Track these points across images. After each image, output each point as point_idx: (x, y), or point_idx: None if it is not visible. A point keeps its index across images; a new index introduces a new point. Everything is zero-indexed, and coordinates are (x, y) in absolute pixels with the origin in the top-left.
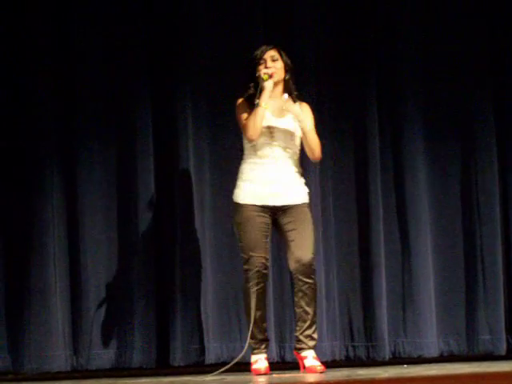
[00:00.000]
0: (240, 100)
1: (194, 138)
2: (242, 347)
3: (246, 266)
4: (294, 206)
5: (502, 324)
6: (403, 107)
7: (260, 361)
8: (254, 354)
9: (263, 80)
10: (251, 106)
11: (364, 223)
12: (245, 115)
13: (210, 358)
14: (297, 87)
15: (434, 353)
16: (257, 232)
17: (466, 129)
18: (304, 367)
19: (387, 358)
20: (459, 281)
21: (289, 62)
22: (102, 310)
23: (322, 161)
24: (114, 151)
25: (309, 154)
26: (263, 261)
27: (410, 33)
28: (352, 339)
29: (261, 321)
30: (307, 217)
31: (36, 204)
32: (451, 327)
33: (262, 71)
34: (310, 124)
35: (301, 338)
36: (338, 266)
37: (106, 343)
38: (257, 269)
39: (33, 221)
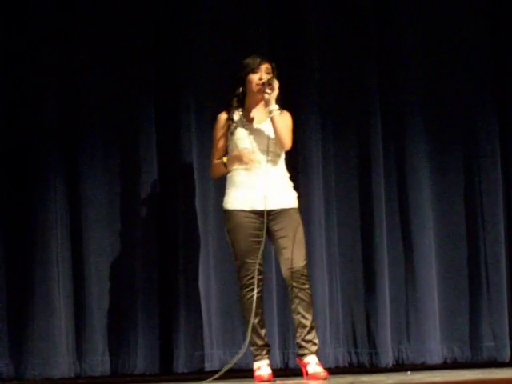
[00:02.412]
0: (221, 115)
1: (197, 142)
2: (246, 353)
3: (240, 273)
4: (284, 210)
5: (506, 331)
6: (407, 113)
7: (263, 367)
8: (255, 360)
9: (268, 84)
10: (231, 120)
11: (367, 230)
12: (219, 134)
13: (214, 364)
14: (298, 94)
15: (438, 360)
16: (249, 238)
17: (470, 134)
18: (307, 374)
19: (390, 364)
20: (463, 287)
21: (276, 77)
22: (106, 317)
23: (325, 167)
24: (117, 154)
25: (279, 145)
26: (257, 266)
27: (414, 38)
28: (355, 346)
29: (259, 327)
30: (298, 222)
31: (38, 209)
32: (455, 334)
33: (266, 77)
34: (282, 118)
35: (302, 343)
36: (341, 273)
37: (109, 349)
38: (251, 275)
39: (35, 226)
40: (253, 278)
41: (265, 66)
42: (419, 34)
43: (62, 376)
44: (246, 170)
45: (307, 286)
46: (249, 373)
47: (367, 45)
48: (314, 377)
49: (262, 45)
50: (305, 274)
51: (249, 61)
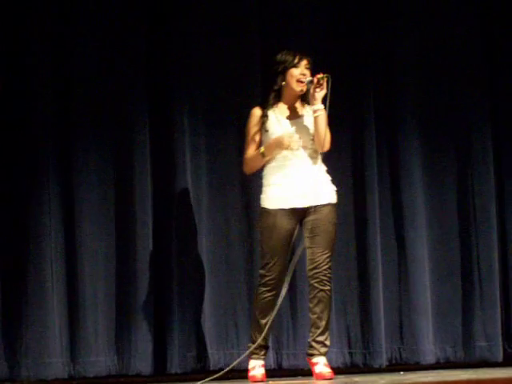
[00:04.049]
0: (255, 110)
1: (190, 142)
2: (239, 354)
3: (263, 272)
4: (321, 207)
5: (499, 331)
6: (400, 116)
7: (257, 368)
8: (252, 358)
9: (319, 81)
10: (264, 117)
11: (361, 231)
12: (252, 132)
13: (208, 365)
14: None
15: (431, 360)
16: (280, 239)
17: (463, 136)
18: (314, 373)
19: (384, 365)
20: (456, 288)
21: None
22: (99, 318)
23: None
24: (111, 153)
25: (317, 146)
26: (281, 268)
27: (409, 41)
28: (349, 346)
29: (266, 327)
30: (332, 222)
31: (32, 211)
32: (448, 334)
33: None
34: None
35: (313, 344)
36: (335, 273)
37: (103, 350)
38: (274, 276)
39: (29, 227)
40: (274, 279)
41: (304, 62)
42: (415, 37)
43: (55, 377)
44: (283, 167)
45: (328, 288)
46: (242, 373)
47: (362, 46)
48: (320, 376)
49: (254, 46)
50: (328, 275)
51: (287, 56)
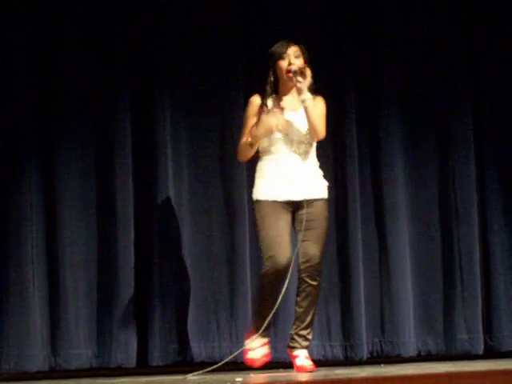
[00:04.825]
0: (254, 98)
1: (171, 134)
2: (220, 347)
3: (264, 265)
4: (313, 201)
5: (480, 324)
6: (381, 108)
7: (260, 349)
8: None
9: (300, 73)
10: (265, 106)
11: (342, 224)
12: (251, 120)
13: (189, 358)
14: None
15: (412, 352)
16: (278, 229)
17: (444, 128)
18: (295, 365)
19: (365, 357)
20: (437, 281)
21: (307, 58)
22: (81, 310)
23: None
24: (92, 148)
25: (312, 135)
26: (284, 260)
27: (390, 37)
28: (330, 339)
29: (267, 317)
30: (324, 216)
31: (13, 203)
32: (429, 327)
33: (295, 65)
34: (315, 107)
35: (295, 337)
36: None
37: (84, 343)
38: (275, 268)
39: (10, 220)
40: (276, 270)
41: (292, 50)
42: (397, 29)
43: (36, 369)
44: (277, 160)
45: (317, 283)
46: (226, 365)
47: (344, 38)
48: (302, 369)
49: (237, 38)
50: (318, 270)
51: (276, 48)
